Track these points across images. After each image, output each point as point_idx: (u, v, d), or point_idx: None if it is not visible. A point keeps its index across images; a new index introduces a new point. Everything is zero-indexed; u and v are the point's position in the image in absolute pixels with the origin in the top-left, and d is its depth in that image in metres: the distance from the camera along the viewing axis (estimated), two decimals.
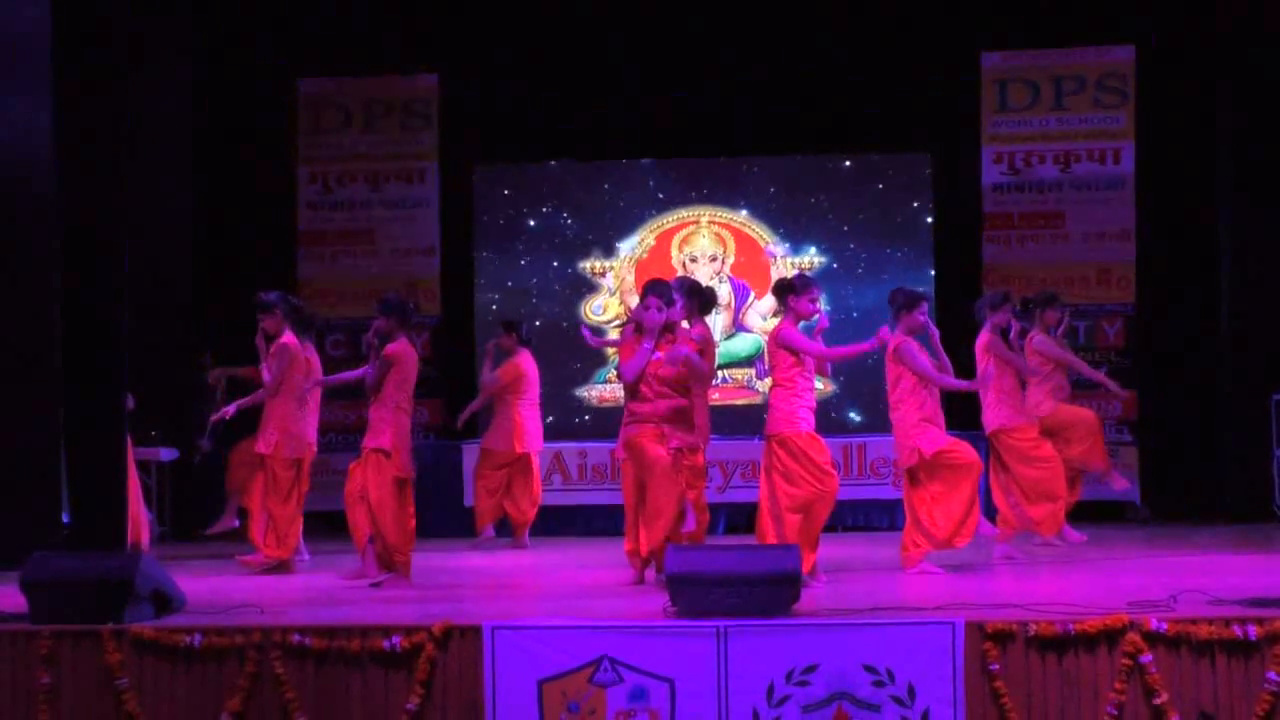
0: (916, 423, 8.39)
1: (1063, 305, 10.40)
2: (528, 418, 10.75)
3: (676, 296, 8.35)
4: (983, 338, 9.21)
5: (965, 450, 8.41)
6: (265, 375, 9.27)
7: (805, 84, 12.59)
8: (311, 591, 8.23)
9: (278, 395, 9.20)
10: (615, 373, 8.70)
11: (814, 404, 8.03)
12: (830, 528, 11.32)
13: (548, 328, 12.63)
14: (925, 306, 8.51)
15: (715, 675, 6.18)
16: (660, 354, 7.91)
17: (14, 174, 9.03)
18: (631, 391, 7.98)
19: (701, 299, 8.86)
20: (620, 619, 6.58)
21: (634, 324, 8.14)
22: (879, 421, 11.43)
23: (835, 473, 8.02)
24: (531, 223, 12.95)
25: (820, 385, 12.36)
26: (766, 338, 12.51)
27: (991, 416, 9.27)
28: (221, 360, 11.40)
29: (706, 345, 8.67)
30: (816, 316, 8.23)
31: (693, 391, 8.10)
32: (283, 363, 9.16)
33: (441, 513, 11.64)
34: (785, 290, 8.12)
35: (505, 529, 11.00)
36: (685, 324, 8.60)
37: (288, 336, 9.23)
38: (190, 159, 12.38)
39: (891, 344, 8.44)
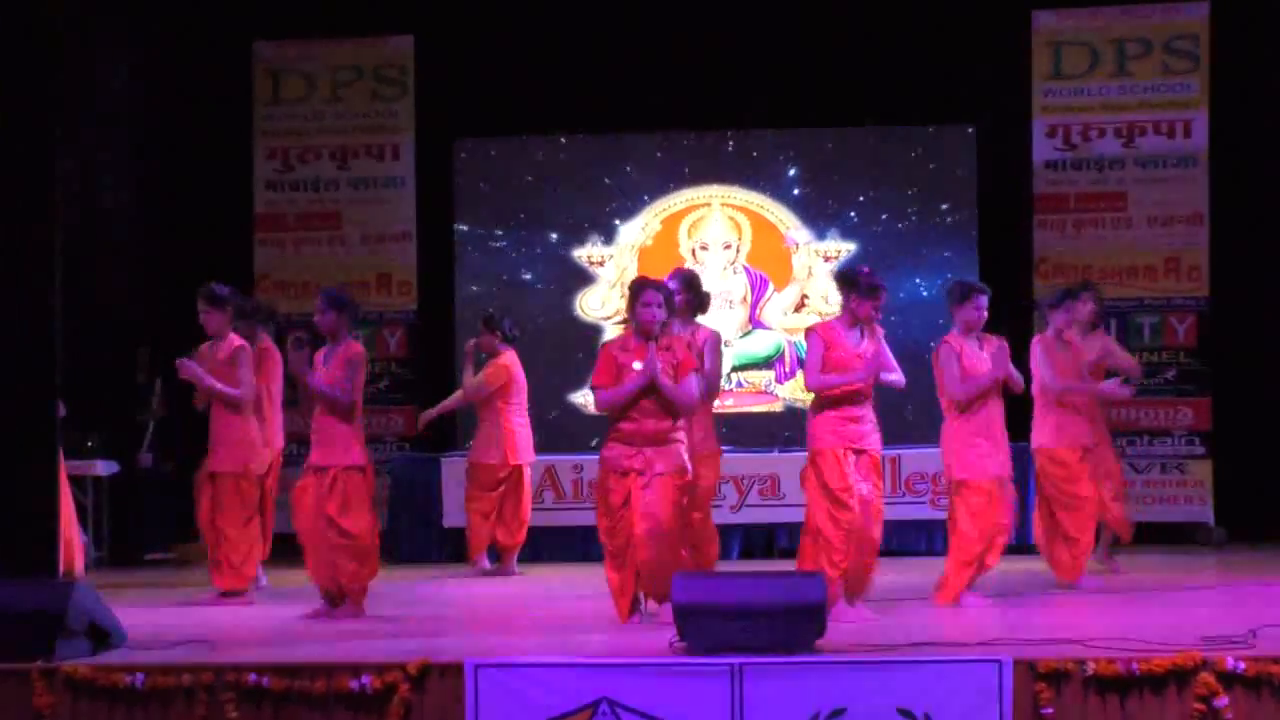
0: (960, 437, 8.47)
1: (1100, 298, 10.13)
2: (519, 426, 10.73)
3: (674, 289, 8.36)
4: (1041, 341, 9.38)
5: (987, 492, 8.43)
6: (232, 389, 9.18)
7: (831, 47, 12.58)
8: (270, 625, 8.23)
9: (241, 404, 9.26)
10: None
11: (854, 414, 8.02)
12: None
13: (539, 325, 12.62)
14: (981, 300, 8.52)
15: None
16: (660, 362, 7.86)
17: None
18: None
19: (699, 296, 8.84)
20: (621, 656, 6.58)
21: (622, 335, 8.08)
22: (912, 433, 11.42)
23: (850, 492, 7.97)
24: (520, 205, 12.95)
25: None
26: (787, 336, 12.61)
27: (1035, 432, 9.40)
28: (160, 358, 11.38)
29: (712, 349, 8.64)
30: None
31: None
32: (247, 367, 9.19)
33: (417, 535, 11.65)
34: (849, 284, 8.12)
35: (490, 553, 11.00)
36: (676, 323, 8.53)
37: (236, 338, 9.28)
38: (131, 132, 12.39)
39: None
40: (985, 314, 8.56)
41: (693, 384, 7.90)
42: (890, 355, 8.14)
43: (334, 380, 8.45)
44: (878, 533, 8.08)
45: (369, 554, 8.47)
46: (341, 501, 8.40)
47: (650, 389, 7.79)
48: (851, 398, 8.01)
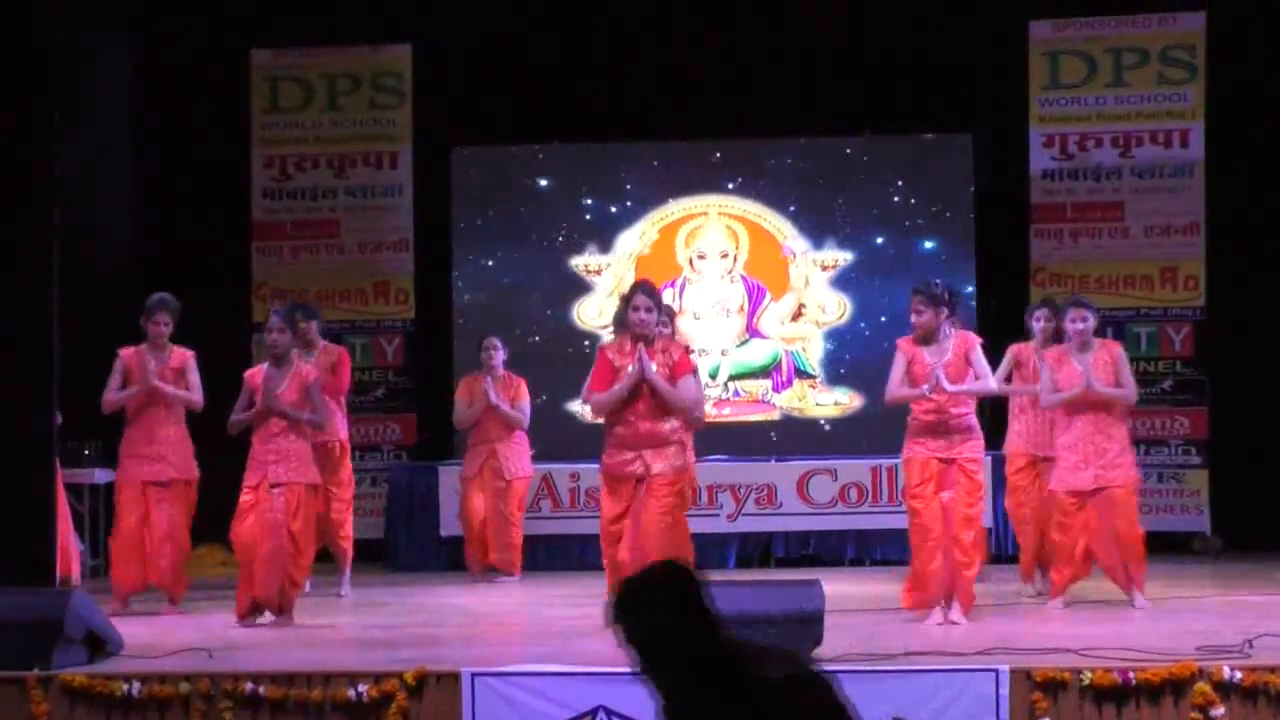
0: (1058, 448, 8.91)
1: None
2: None
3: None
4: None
5: (1067, 505, 8.73)
6: (193, 396, 9.33)
7: (829, 56, 12.59)
8: (266, 633, 8.23)
9: (179, 410, 9.36)
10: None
11: (938, 424, 8.14)
12: (857, 561, 11.38)
13: (536, 334, 12.62)
14: (1070, 313, 8.85)
15: None
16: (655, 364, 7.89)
17: None
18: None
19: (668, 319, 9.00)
20: (618, 664, 6.58)
21: (618, 340, 8.12)
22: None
23: (918, 496, 8.13)
24: (518, 213, 12.93)
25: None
26: (784, 345, 12.61)
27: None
28: None
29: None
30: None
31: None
32: (196, 373, 9.35)
33: (415, 544, 11.64)
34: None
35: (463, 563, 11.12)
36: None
37: (184, 348, 9.41)
38: (130, 139, 12.38)
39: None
40: (1079, 326, 8.74)
41: (691, 385, 7.93)
42: (980, 362, 8.19)
43: (295, 402, 8.61)
44: (967, 538, 8.12)
45: (309, 568, 8.89)
46: (304, 519, 8.58)
47: (642, 391, 7.81)
48: (937, 408, 8.08)
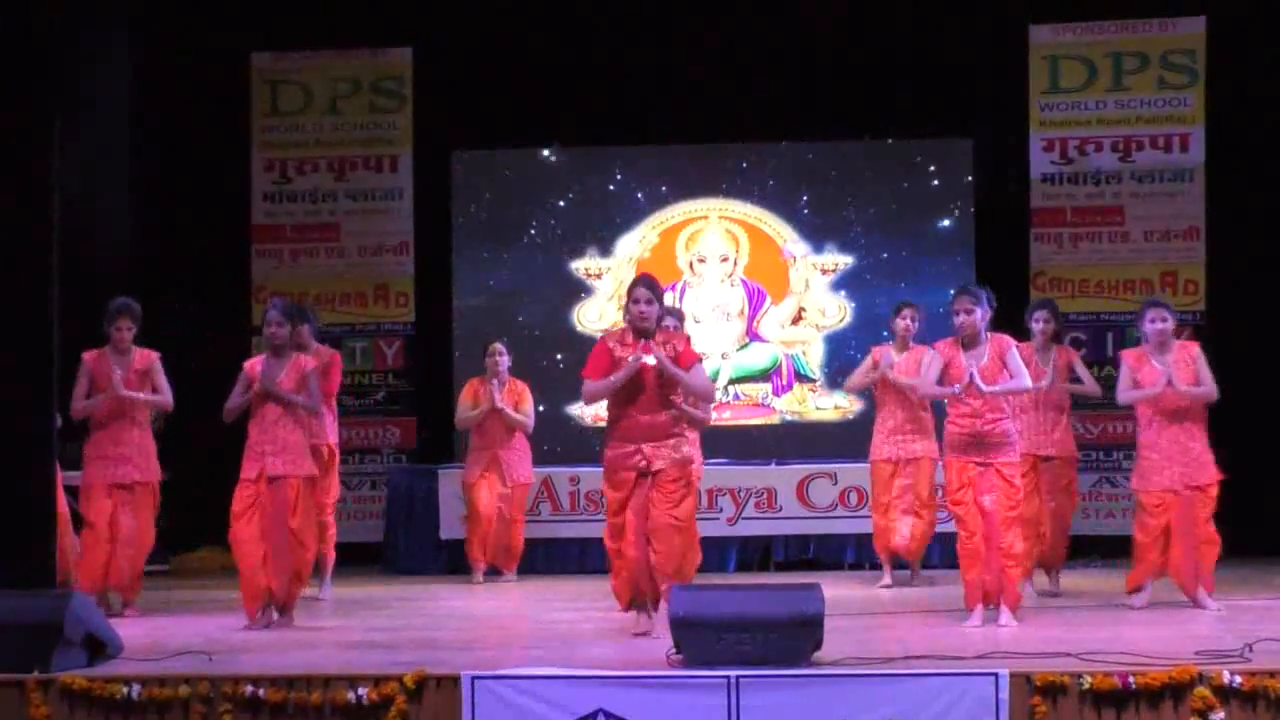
0: (1139, 446, 8.97)
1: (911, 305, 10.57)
2: None
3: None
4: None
5: (1152, 504, 8.83)
6: (162, 398, 9.37)
7: (830, 60, 12.60)
8: (266, 636, 8.23)
9: (143, 414, 9.40)
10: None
11: (975, 428, 8.13)
12: (857, 565, 11.38)
13: (536, 337, 12.63)
14: (1149, 313, 8.88)
15: None
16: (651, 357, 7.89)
17: None
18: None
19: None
20: (618, 668, 6.59)
21: (620, 331, 8.12)
22: None
23: (960, 503, 8.16)
24: (518, 217, 12.95)
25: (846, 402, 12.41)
26: (784, 349, 12.62)
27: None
28: None
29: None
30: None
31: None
32: (163, 376, 9.37)
33: (414, 547, 11.65)
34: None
35: (461, 566, 11.19)
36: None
37: (149, 350, 9.42)
38: (130, 142, 12.38)
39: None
40: (1159, 326, 8.79)
41: (702, 372, 7.97)
42: (1016, 361, 8.18)
43: (292, 391, 8.59)
44: (1008, 542, 8.10)
45: (312, 562, 8.84)
46: (303, 513, 8.56)
47: (643, 385, 7.81)
48: (973, 412, 8.07)
